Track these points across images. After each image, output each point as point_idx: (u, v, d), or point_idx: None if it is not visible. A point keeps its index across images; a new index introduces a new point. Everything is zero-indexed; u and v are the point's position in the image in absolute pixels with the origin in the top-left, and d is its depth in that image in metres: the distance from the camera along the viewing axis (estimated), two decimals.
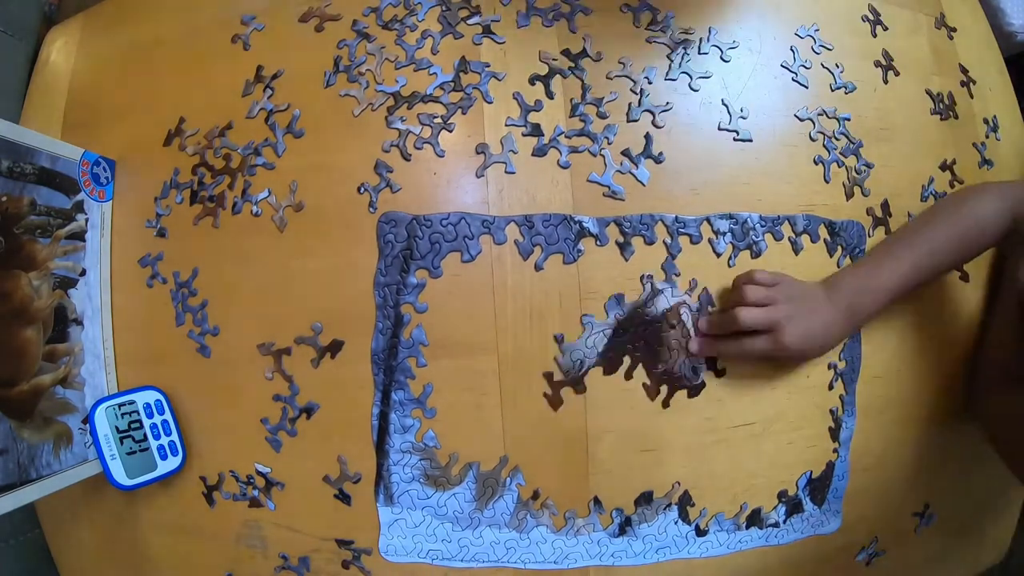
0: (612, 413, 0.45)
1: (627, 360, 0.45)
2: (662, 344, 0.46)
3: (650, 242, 0.46)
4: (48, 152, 0.46)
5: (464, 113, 0.46)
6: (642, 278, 0.45)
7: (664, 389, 0.46)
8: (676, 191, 0.47)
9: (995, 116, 0.60)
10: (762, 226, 0.48)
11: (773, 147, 0.49)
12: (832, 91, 0.52)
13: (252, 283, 0.47)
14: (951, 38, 0.60)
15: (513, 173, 0.45)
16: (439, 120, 0.46)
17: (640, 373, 0.45)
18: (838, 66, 0.52)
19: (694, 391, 0.46)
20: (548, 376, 0.45)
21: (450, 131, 0.46)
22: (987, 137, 0.58)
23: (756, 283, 0.45)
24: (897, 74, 0.55)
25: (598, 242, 0.45)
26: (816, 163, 0.50)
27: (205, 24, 0.53)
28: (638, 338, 0.45)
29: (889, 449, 0.52)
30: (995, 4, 0.67)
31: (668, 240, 0.46)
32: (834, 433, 0.49)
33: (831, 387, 0.49)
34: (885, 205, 0.52)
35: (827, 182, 0.50)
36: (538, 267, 0.45)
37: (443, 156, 0.46)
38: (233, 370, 0.47)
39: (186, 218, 0.49)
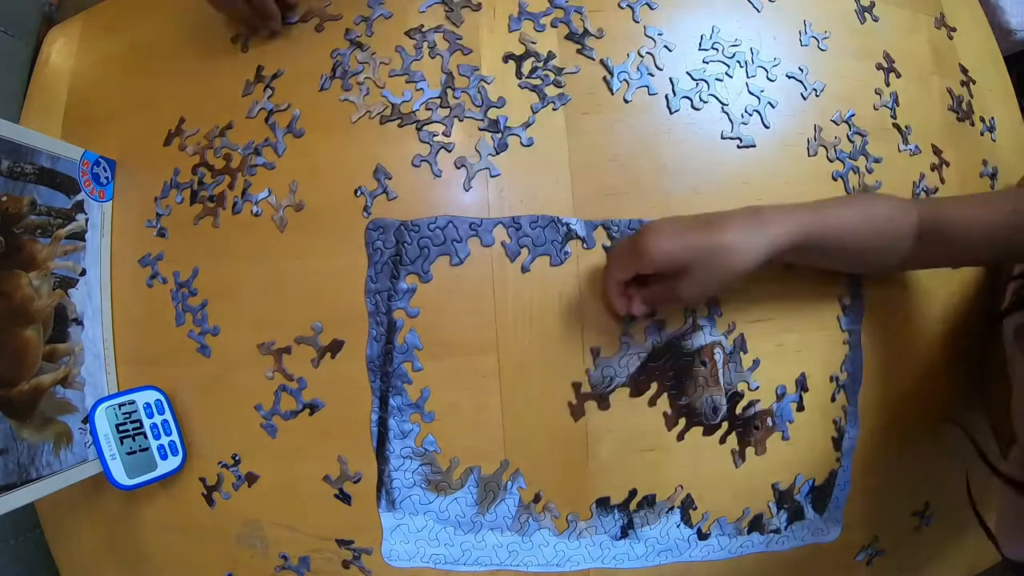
0: (612, 413, 0.45)
1: (655, 387, 0.45)
2: (690, 378, 0.46)
3: None
4: (48, 152, 0.46)
5: (461, 120, 0.46)
6: (685, 311, 0.46)
7: (683, 422, 0.46)
8: (677, 190, 0.47)
9: (992, 117, 0.59)
10: None
11: (773, 147, 0.49)
12: (832, 91, 0.52)
13: (252, 283, 0.47)
14: (951, 38, 0.59)
15: (498, 175, 0.45)
16: (439, 138, 0.46)
17: (664, 402, 0.45)
18: (839, 66, 0.52)
19: (709, 430, 0.46)
20: (576, 386, 0.45)
21: (449, 151, 0.46)
22: (981, 136, 0.58)
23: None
24: (899, 75, 0.55)
25: (585, 245, 0.45)
26: (810, 155, 0.50)
27: (205, 24, 0.53)
28: (669, 368, 0.45)
29: (889, 449, 0.52)
30: (993, 2, 0.67)
31: None
32: (837, 443, 0.49)
33: (833, 399, 0.49)
34: None
35: (834, 180, 0.50)
36: (524, 269, 0.45)
37: (440, 176, 0.46)
38: (233, 370, 0.47)
39: (186, 218, 0.49)
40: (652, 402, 0.45)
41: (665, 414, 0.46)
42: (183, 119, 0.51)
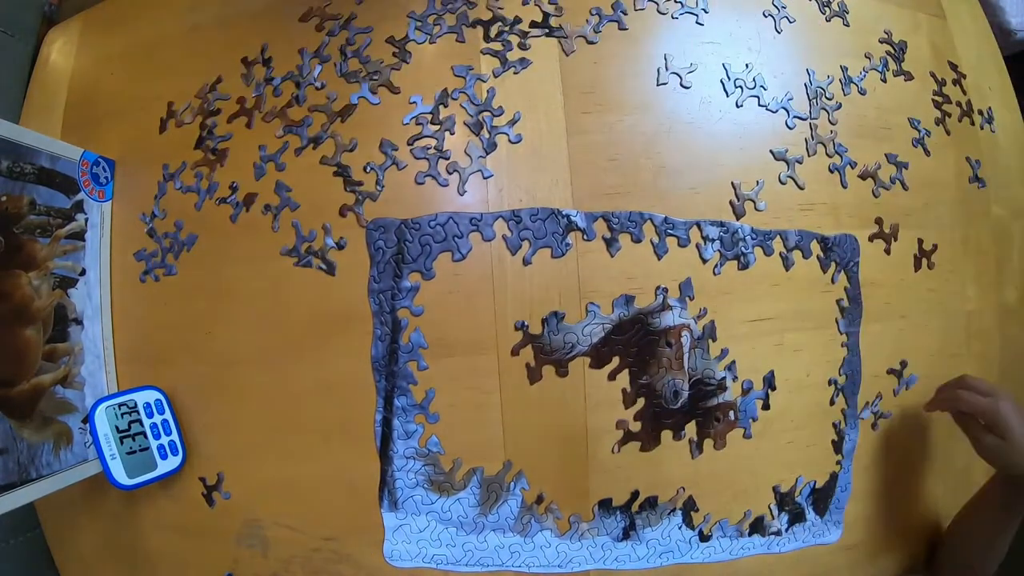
0: (612, 412, 0.45)
1: (616, 361, 0.45)
2: (654, 357, 0.45)
3: (637, 240, 0.45)
4: (48, 152, 0.46)
5: (452, 134, 0.46)
6: (657, 289, 0.45)
7: (641, 402, 0.45)
8: (675, 189, 0.47)
9: (990, 107, 0.60)
10: (753, 239, 0.47)
11: (771, 145, 0.49)
12: (833, 91, 0.52)
13: (252, 283, 0.47)
14: (951, 37, 0.59)
15: (491, 176, 0.45)
16: (434, 151, 0.46)
17: (624, 378, 0.45)
18: (843, 67, 0.52)
19: (667, 415, 0.45)
20: (538, 348, 0.44)
21: (447, 159, 0.45)
22: (981, 129, 0.58)
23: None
24: (897, 74, 0.55)
25: (585, 236, 0.45)
26: (810, 155, 0.50)
27: (205, 23, 0.53)
28: (633, 344, 0.45)
29: (889, 449, 0.52)
30: (994, 2, 0.67)
31: (655, 240, 0.46)
32: (837, 446, 0.49)
33: (832, 402, 0.49)
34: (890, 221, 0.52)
35: (831, 172, 0.50)
36: (526, 261, 0.45)
37: (446, 185, 0.45)
38: (233, 370, 0.47)
39: (186, 218, 0.49)
40: (612, 376, 0.45)
41: (624, 391, 0.45)
42: (172, 103, 0.51)
